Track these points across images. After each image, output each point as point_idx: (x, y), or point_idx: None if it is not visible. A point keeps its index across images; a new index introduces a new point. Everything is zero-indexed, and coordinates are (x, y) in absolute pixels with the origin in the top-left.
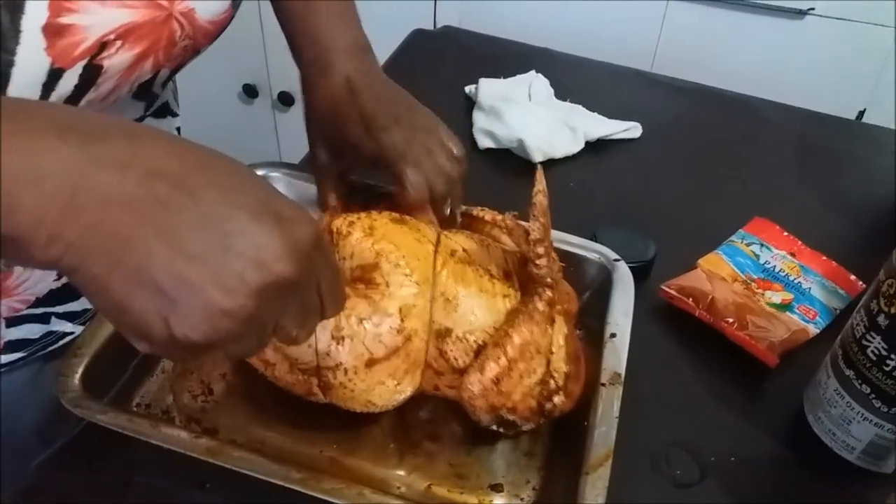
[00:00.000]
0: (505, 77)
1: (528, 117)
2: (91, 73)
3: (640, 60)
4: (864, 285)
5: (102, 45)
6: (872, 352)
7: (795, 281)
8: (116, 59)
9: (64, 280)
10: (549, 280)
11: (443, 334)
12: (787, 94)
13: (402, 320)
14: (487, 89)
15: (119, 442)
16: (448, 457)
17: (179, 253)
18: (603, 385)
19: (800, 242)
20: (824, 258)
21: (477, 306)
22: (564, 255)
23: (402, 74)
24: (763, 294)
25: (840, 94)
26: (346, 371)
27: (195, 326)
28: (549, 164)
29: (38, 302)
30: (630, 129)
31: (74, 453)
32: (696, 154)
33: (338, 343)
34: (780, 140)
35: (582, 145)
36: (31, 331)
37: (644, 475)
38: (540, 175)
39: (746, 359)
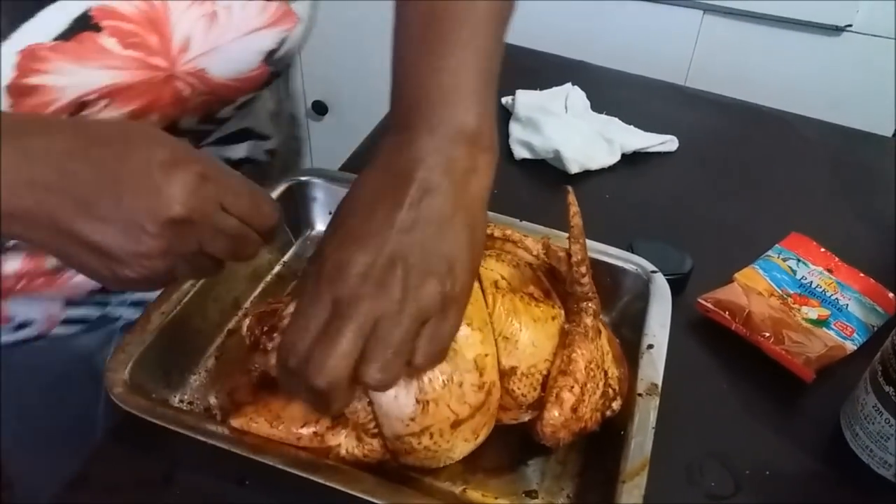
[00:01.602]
0: (541, 89)
1: (565, 129)
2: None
3: (675, 74)
4: None
5: (82, 104)
6: None
7: (832, 297)
8: (105, 116)
9: None
10: (591, 294)
11: (508, 374)
12: (822, 110)
13: (480, 374)
14: (524, 100)
15: (161, 438)
16: (483, 462)
17: (93, 219)
18: (640, 395)
19: (836, 258)
20: (861, 275)
21: (535, 338)
22: (601, 266)
23: None
24: (799, 309)
25: (877, 111)
26: (431, 435)
27: (130, 269)
28: (585, 175)
29: (95, 292)
30: (666, 143)
31: (117, 448)
32: (732, 168)
33: (423, 407)
34: (816, 156)
35: (618, 157)
36: (90, 312)
37: (678, 486)
38: (572, 197)
39: (782, 373)
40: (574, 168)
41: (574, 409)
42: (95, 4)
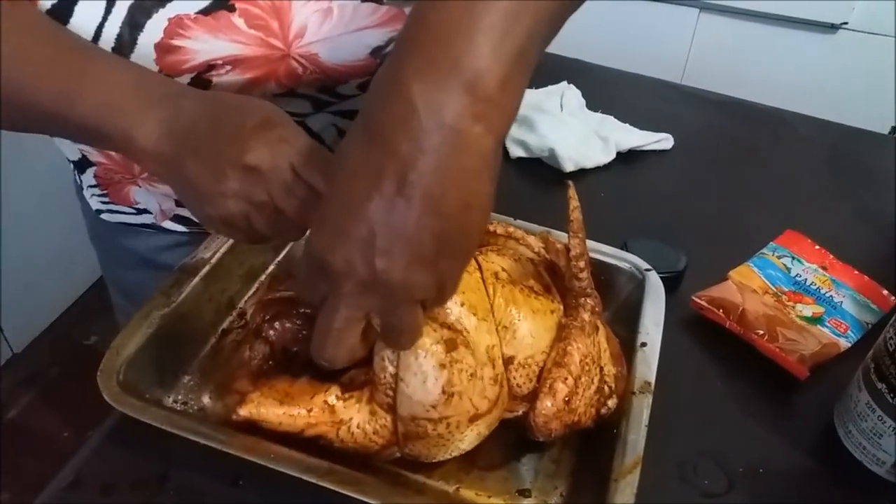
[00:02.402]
0: (537, 87)
1: (560, 127)
2: (199, 85)
3: (671, 72)
4: None
5: (210, 66)
6: None
7: (827, 294)
8: (227, 79)
9: None
10: (589, 290)
11: (506, 363)
12: (818, 107)
13: (493, 366)
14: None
15: (156, 438)
16: (476, 461)
17: (196, 161)
18: (633, 394)
19: (831, 256)
20: (856, 272)
21: (533, 329)
22: (596, 265)
23: None
24: (794, 307)
25: (872, 108)
26: (448, 425)
27: (212, 206)
28: (581, 174)
29: None
30: (661, 141)
31: (113, 449)
32: (728, 166)
33: (448, 398)
34: (811, 154)
35: (613, 156)
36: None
37: (672, 484)
38: (573, 191)
39: (776, 371)
40: (569, 166)
41: (567, 401)
42: None
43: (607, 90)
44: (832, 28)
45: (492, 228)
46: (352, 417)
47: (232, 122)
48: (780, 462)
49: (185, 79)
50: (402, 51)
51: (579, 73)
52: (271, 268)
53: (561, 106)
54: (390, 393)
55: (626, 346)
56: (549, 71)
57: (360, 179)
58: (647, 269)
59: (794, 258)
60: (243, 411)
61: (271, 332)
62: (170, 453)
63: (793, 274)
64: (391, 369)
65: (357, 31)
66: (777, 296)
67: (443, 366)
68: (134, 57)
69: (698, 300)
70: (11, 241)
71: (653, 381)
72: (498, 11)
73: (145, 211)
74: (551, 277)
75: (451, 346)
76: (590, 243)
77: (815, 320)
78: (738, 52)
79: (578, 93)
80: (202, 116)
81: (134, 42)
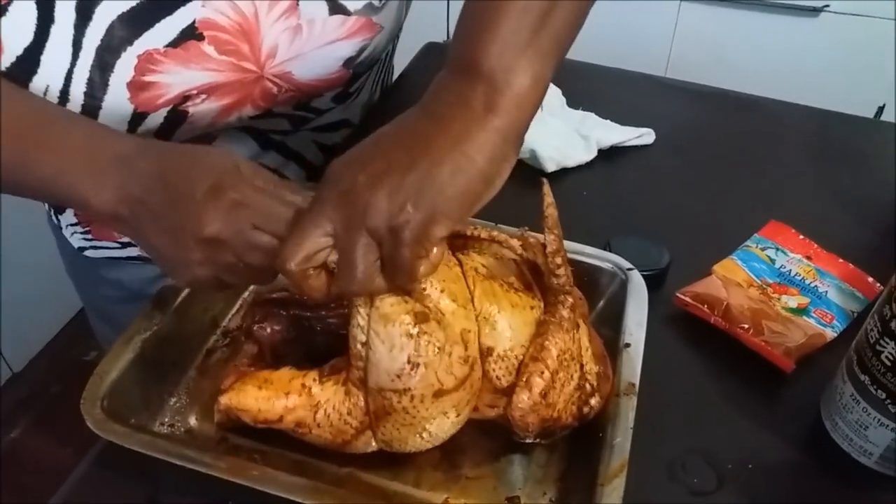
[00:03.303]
0: None
1: (540, 128)
2: (176, 116)
3: (655, 65)
4: (881, 287)
5: (185, 97)
6: (887, 357)
7: (811, 284)
8: (203, 108)
9: None
10: (568, 287)
11: (485, 354)
12: (803, 93)
13: (465, 348)
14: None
15: (144, 462)
16: (465, 470)
17: (158, 230)
18: (618, 396)
19: (816, 245)
20: (841, 261)
21: (512, 322)
22: (578, 266)
23: (415, 88)
24: (779, 299)
25: (858, 92)
26: (412, 398)
27: (180, 274)
28: (562, 173)
29: None
30: (643, 136)
31: (101, 474)
32: (711, 158)
33: (412, 368)
34: (796, 141)
35: (595, 154)
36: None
37: (661, 484)
38: (547, 188)
39: (763, 365)
40: (551, 167)
41: (543, 395)
42: (200, 17)
43: (588, 87)
44: (814, 11)
45: (474, 233)
46: (328, 399)
47: (183, 191)
48: (768, 456)
49: (162, 113)
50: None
51: (560, 71)
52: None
53: (541, 106)
54: (361, 364)
55: (611, 347)
56: None
57: (405, 141)
58: (630, 269)
59: (778, 249)
60: (224, 399)
61: (262, 334)
62: (158, 476)
63: (777, 265)
64: (362, 338)
65: (328, 45)
66: (762, 288)
67: (410, 335)
68: (107, 98)
69: (682, 296)
70: (9, 259)
71: (637, 382)
72: (518, 19)
73: (130, 244)
74: (533, 277)
75: (421, 318)
76: (571, 244)
77: (801, 311)
78: (722, 40)
79: (559, 91)
80: (154, 183)
81: (105, 84)
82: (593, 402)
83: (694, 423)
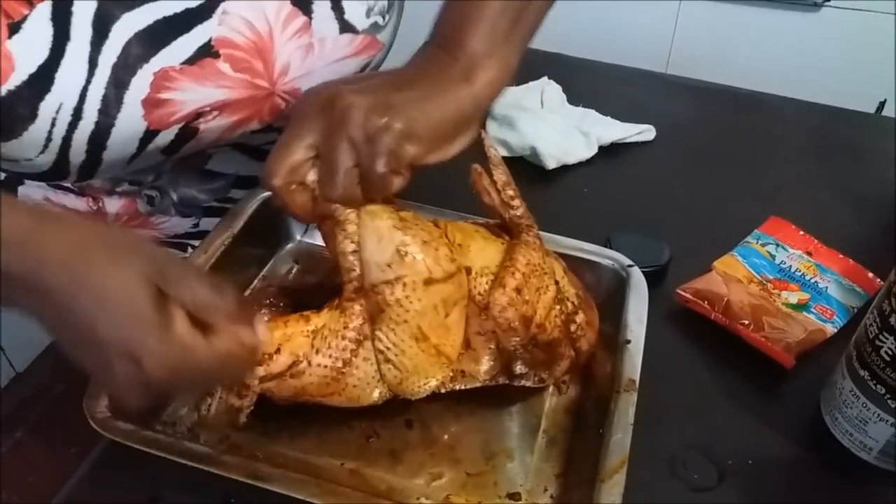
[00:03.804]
0: (517, 84)
1: (541, 124)
2: (187, 133)
3: (656, 62)
4: (881, 283)
5: (198, 115)
6: (886, 352)
7: (812, 280)
8: (213, 124)
9: (200, 227)
10: (528, 220)
11: (465, 273)
12: (804, 89)
13: (450, 251)
14: (500, 98)
15: (147, 460)
16: (466, 466)
17: (78, 354)
18: (618, 392)
19: (816, 241)
20: (841, 256)
21: (484, 247)
22: (578, 263)
23: None
24: (779, 294)
25: (859, 86)
26: (404, 285)
27: (120, 395)
28: (563, 170)
29: (178, 237)
30: (643, 132)
31: (105, 472)
32: (711, 155)
33: (402, 256)
34: (797, 137)
35: (595, 150)
36: (173, 253)
37: (661, 480)
38: (484, 133)
39: (763, 360)
40: (551, 163)
41: (518, 291)
42: (216, 35)
43: (589, 84)
44: (815, 6)
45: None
46: (324, 323)
47: (82, 316)
48: (769, 452)
49: (174, 130)
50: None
51: (559, 67)
52: (255, 282)
53: (541, 102)
54: (354, 274)
55: (611, 343)
56: (529, 67)
57: (390, 78)
58: (630, 266)
59: (778, 245)
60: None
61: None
62: (161, 475)
63: (777, 261)
64: (352, 246)
65: (336, 62)
66: (762, 284)
67: (397, 227)
68: (121, 116)
69: (683, 293)
70: None
71: (637, 378)
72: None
73: None
74: (503, 231)
75: (405, 221)
76: (571, 241)
77: (801, 307)
78: (722, 36)
79: (559, 88)
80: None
81: (120, 101)
82: (579, 319)
83: (694, 419)
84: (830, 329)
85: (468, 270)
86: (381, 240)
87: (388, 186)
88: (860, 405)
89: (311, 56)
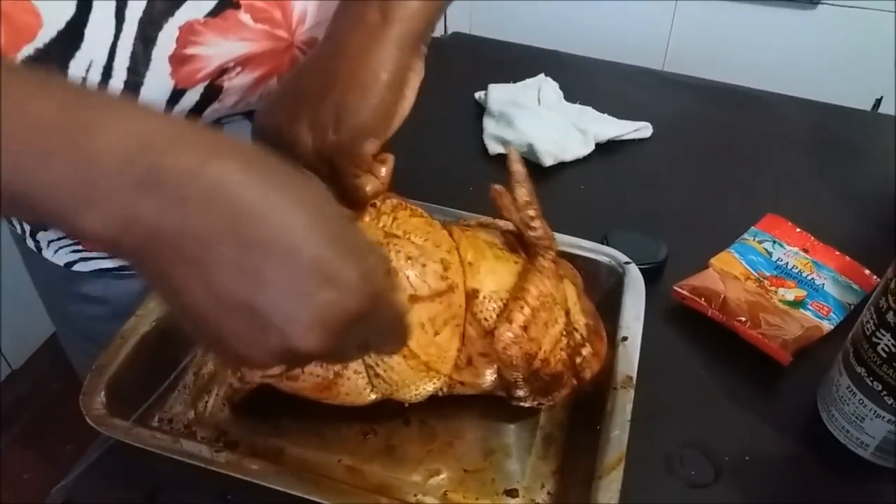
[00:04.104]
0: (514, 82)
1: (538, 122)
2: (212, 92)
3: (652, 59)
4: (878, 279)
5: (223, 71)
6: (883, 349)
7: (808, 277)
8: (237, 81)
9: None
10: (547, 241)
11: (471, 296)
12: (801, 86)
13: (444, 269)
14: (497, 95)
15: (143, 457)
16: (463, 463)
17: (215, 302)
18: (615, 389)
19: (812, 238)
20: (837, 253)
21: (496, 268)
22: (576, 260)
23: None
24: (776, 291)
25: (855, 84)
26: None
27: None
28: (560, 167)
29: None
30: (640, 130)
31: (102, 470)
32: (708, 152)
33: None
34: (793, 135)
35: (592, 147)
36: None
37: (658, 477)
38: (513, 151)
39: (760, 357)
40: (548, 161)
41: (525, 328)
42: None
43: (585, 81)
44: (811, 3)
45: (466, 221)
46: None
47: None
48: (765, 448)
49: (199, 89)
50: None
51: (557, 65)
52: None
53: (539, 100)
54: None
55: (608, 340)
56: (526, 64)
57: (314, 72)
58: (627, 263)
59: (775, 242)
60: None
61: None
62: (158, 472)
63: (774, 258)
64: None
65: None
66: (759, 281)
67: (380, 243)
68: (149, 74)
69: (680, 290)
70: (7, 256)
71: (634, 375)
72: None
73: None
74: (520, 245)
75: (390, 236)
76: (568, 238)
77: (798, 304)
78: (719, 33)
79: (556, 85)
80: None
81: (148, 58)
82: (585, 352)
83: (691, 416)
84: (827, 326)
85: (475, 293)
86: None
87: (361, 191)
88: (857, 402)
89: (326, 2)
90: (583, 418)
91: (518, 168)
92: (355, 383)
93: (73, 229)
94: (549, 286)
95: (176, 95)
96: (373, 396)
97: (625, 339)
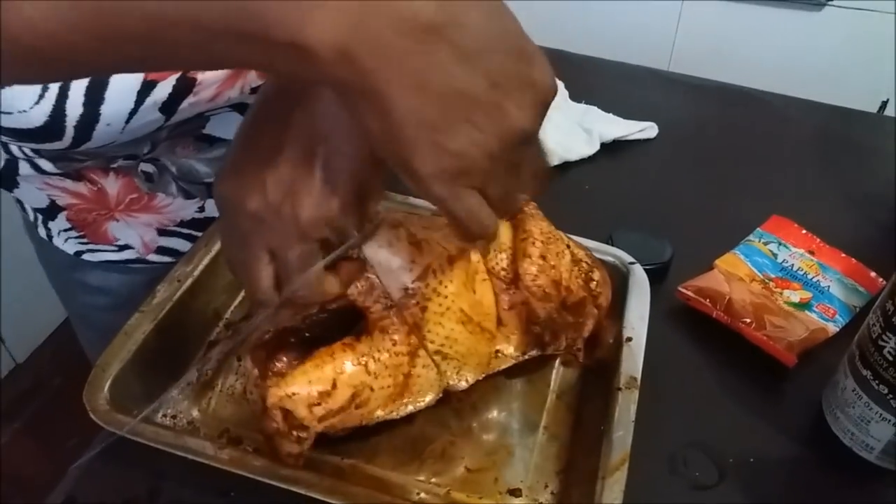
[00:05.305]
0: None
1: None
2: (185, 84)
3: (658, 59)
4: (884, 282)
5: None
6: (889, 352)
7: (814, 279)
8: (210, 74)
9: (206, 213)
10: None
11: (483, 254)
12: (806, 87)
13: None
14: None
15: (147, 454)
16: (467, 462)
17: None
18: (619, 389)
19: (818, 240)
20: (843, 255)
21: None
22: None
23: None
24: (781, 293)
25: (861, 86)
26: (434, 272)
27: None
28: (565, 167)
29: (184, 224)
30: (646, 130)
31: (103, 465)
32: (714, 153)
33: (417, 246)
34: (799, 136)
35: (597, 147)
36: (179, 244)
37: (662, 477)
38: None
39: (765, 359)
40: (553, 160)
41: (543, 257)
42: None
43: (591, 80)
44: (818, 5)
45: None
46: (369, 347)
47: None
48: (770, 450)
49: (171, 80)
50: None
51: (562, 64)
52: None
53: None
54: (377, 293)
55: (613, 341)
56: None
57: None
58: (632, 263)
59: (780, 244)
60: (272, 395)
61: (280, 366)
62: (161, 468)
63: (779, 260)
64: (370, 273)
65: None
66: (764, 283)
67: (395, 226)
68: None
69: (684, 291)
70: (11, 250)
71: (639, 376)
72: None
73: (127, 247)
74: None
75: (397, 221)
76: (574, 238)
77: (803, 306)
78: (725, 34)
79: (561, 85)
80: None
81: None
82: (596, 276)
83: (695, 417)
84: (832, 328)
85: (485, 251)
86: (391, 243)
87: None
88: (862, 405)
89: None
90: (586, 419)
91: None
92: (427, 377)
93: (295, 40)
94: (546, 225)
95: (146, 87)
96: (430, 396)
97: (629, 339)
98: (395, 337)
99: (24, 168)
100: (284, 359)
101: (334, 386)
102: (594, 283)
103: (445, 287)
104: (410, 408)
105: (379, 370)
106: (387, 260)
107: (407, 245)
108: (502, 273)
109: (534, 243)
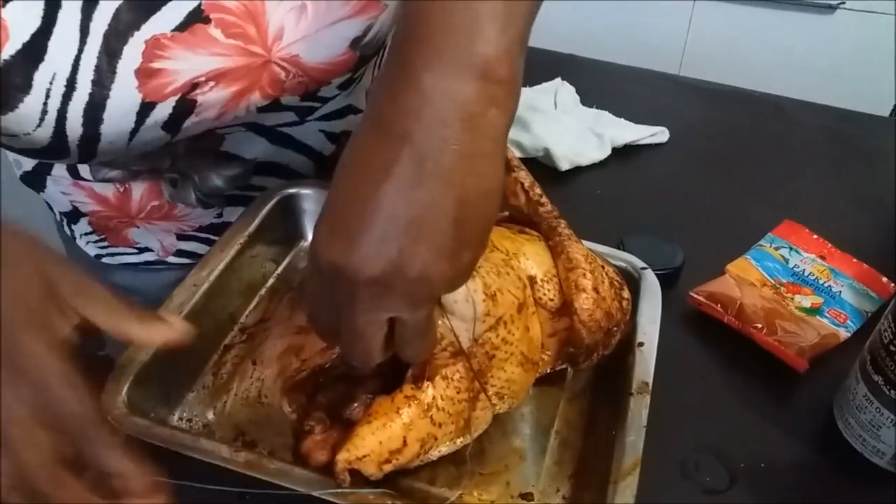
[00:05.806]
0: (531, 86)
1: (554, 126)
2: (185, 106)
3: (669, 64)
4: None
5: (194, 85)
6: None
7: (825, 284)
8: (211, 96)
9: (223, 218)
10: (556, 212)
11: (531, 283)
12: (818, 91)
13: (512, 268)
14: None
15: (161, 456)
16: (478, 465)
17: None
18: (631, 394)
19: (830, 245)
20: (855, 260)
21: (536, 249)
22: None
23: None
24: (793, 298)
25: (873, 90)
26: (505, 324)
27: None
28: (576, 171)
29: (202, 229)
30: (657, 134)
31: None
32: (725, 157)
33: (492, 298)
34: (811, 140)
35: (608, 152)
36: (198, 247)
37: (673, 482)
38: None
39: (776, 364)
40: (565, 165)
41: (595, 290)
42: (206, 0)
43: (602, 85)
44: (829, 8)
45: None
46: (433, 395)
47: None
48: (781, 456)
49: (171, 102)
50: (405, 46)
51: (573, 69)
52: (271, 281)
53: (555, 104)
54: (445, 343)
55: (624, 345)
56: (542, 68)
57: (371, 173)
58: (643, 268)
59: (792, 249)
60: (341, 459)
61: (318, 413)
62: (176, 470)
63: (791, 265)
64: (438, 323)
65: (333, 25)
66: (775, 288)
67: (471, 277)
68: (115, 87)
69: (696, 296)
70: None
71: (650, 381)
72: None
73: (147, 249)
74: (523, 224)
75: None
76: (585, 244)
77: (814, 311)
78: (736, 38)
79: (572, 89)
80: None
81: (113, 71)
82: (625, 293)
83: (707, 422)
84: (844, 333)
85: (532, 280)
86: (468, 297)
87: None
88: (874, 410)
89: (305, 19)
90: (597, 423)
91: (511, 154)
92: (484, 418)
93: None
94: (584, 248)
95: (145, 108)
96: (486, 426)
97: (641, 344)
98: (459, 384)
99: (57, 169)
100: (355, 405)
101: (405, 443)
102: (625, 301)
103: (512, 334)
104: (461, 442)
105: (443, 419)
106: (462, 311)
107: (481, 296)
108: (549, 304)
109: (584, 275)
